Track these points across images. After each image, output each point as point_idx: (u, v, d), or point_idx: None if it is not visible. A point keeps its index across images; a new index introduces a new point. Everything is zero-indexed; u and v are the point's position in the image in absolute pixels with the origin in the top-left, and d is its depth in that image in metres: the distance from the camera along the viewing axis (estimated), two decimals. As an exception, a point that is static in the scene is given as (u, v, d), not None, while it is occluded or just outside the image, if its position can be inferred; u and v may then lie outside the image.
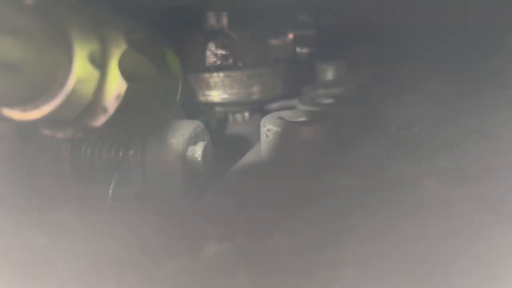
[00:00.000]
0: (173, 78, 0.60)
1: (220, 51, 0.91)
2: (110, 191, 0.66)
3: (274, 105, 0.91)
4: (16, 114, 0.49)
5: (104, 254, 0.41)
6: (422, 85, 0.84)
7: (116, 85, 0.50)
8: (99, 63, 0.48)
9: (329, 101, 0.81)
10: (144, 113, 0.58)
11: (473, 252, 0.39)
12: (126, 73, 0.50)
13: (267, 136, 0.73)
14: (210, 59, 0.91)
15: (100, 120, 0.51)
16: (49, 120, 0.49)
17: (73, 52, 0.46)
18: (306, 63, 0.94)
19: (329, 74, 0.94)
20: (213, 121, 0.88)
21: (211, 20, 0.91)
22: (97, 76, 0.49)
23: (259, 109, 0.94)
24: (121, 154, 0.69)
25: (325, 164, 0.63)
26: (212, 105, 0.91)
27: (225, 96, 0.90)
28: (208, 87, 0.89)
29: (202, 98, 0.89)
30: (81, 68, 0.46)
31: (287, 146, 0.68)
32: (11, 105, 0.49)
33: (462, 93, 0.80)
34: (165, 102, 0.61)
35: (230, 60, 0.91)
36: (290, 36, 0.94)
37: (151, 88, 0.56)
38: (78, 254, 0.41)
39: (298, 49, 0.95)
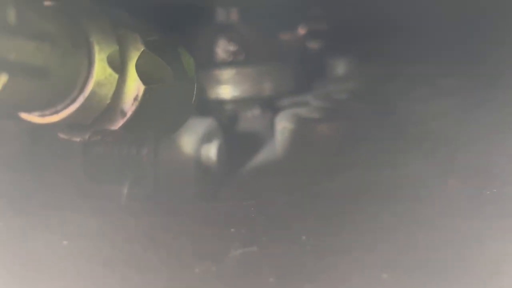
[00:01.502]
0: (188, 80, 0.60)
1: (231, 48, 0.91)
2: (124, 191, 0.66)
3: (286, 102, 0.91)
4: (34, 118, 0.49)
5: (118, 254, 0.40)
6: (437, 79, 0.83)
7: (134, 87, 0.50)
8: (118, 65, 0.48)
9: (343, 97, 0.81)
10: (161, 115, 0.57)
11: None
12: (143, 75, 0.50)
13: (283, 133, 0.73)
14: (221, 55, 0.90)
15: (118, 123, 0.51)
16: (67, 123, 0.48)
17: (93, 54, 0.46)
18: (318, 58, 0.94)
19: (341, 69, 0.93)
20: (224, 118, 0.87)
21: (221, 16, 0.91)
22: (116, 78, 0.49)
23: (270, 105, 0.93)
24: (134, 153, 0.69)
25: (341, 160, 0.63)
26: (222, 102, 0.90)
27: (236, 93, 0.89)
28: (219, 84, 0.89)
29: (212, 95, 0.89)
30: (100, 71, 0.46)
31: (303, 143, 0.67)
32: (31, 110, 0.49)
33: (478, 87, 0.80)
34: (181, 105, 0.61)
35: (241, 57, 0.90)
36: (301, 31, 0.93)
37: (167, 90, 0.56)
38: (92, 254, 0.41)
39: (309, 45, 0.94)
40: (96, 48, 0.46)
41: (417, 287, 0.35)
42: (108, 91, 0.48)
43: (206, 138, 0.71)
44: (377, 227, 0.42)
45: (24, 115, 0.49)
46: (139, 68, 0.50)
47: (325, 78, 0.92)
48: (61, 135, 0.52)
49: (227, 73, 0.88)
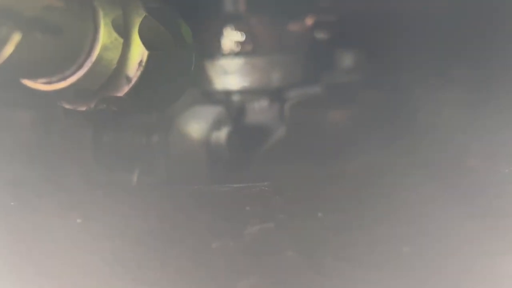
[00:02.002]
0: (187, 47, 0.61)
1: (239, 38, 0.90)
2: (135, 178, 0.66)
3: (295, 92, 0.90)
4: (40, 86, 0.48)
5: (133, 232, 0.40)
6: (448, 68, 0.83)
7: (138, 53, 0.51)
8: (122, 29, 0.48)
9: (353, 86, 0.81)
10: (164, 82, 0.58)
11: None
12: (146, 40, 0.50)
13: (294, 121, 0.73)
14: (229, 46, 0.90)
15: (124, 90, 0.50)
16: (74, 90, 0.48)
17: (98, 18, 0.46)
18: (326, 49, 0.94)
19: (350, 59, 0.93)
20: (233, 109, 0.87)
21: (229, 5, 0.91)
22: (121, 43, 0.49)
23: (279, 96, 0.93)
24: (144, 140, 0.69)
25: (353, 146, 0.62)
26: (231, 93, 0.90)
27: (244, 83, 0.89)
28: (227, 74, 0.89)
29: (220, 86, 0.89)
30: (106, 35, 0.46)
31: (314, 132, 0.67)
32: (38, 76, 0.48)
33: (489, 76, 0.79)
34: (182, 71, 0.61)
35: (249, 47, 0.90)
36: (310, 21, 0.93)
37: (169, 56, 0.56)
38: (106, 232, 0.40)
39: (318, 35, 0.94)
40: (101, 12, 0.46)
41: (438, 260, 0.35)
42: (114, 56, 0.48)
43: (216, 125, 0.71)
44: (394, 204, 0.42)
45: (29, 83, 0.48)
46: (142, 33, 0.50)
47: (334, 68, 0.92)
48: (66, 105, 0.51)
49: (235, 64, 0.88)
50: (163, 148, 0.68)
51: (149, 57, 0.50)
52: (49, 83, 0.47)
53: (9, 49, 0.38)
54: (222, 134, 0.69)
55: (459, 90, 0.79)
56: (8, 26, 0.37)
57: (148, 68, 0.50)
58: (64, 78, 0.46)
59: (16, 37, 0.38)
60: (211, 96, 0.85)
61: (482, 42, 0.84)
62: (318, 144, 0.64)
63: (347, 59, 0.93)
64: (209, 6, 0.90)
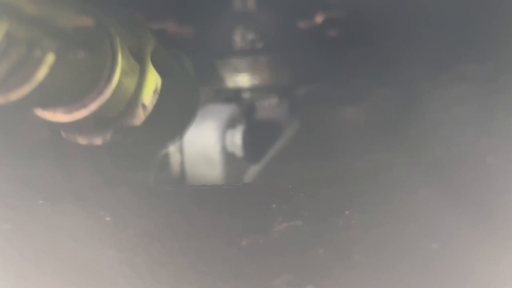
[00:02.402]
0: (191, 77, 0.62)
1: (248, 36, 0.91)
2: (152, 177, 0.66)
3: (305, 90, 0.91)
4: (60, 117, 0.48)
5: (163, 229, 0.41)
6: (459, 65, 0.83)
7: (153, 80, 0.51)
8: (138, 56, 0.48)
9: (363, 83, 0.81)
10: (176, 110, 0.59)
11: None
12: (158, 68, 0.51)
13: (305, 118, 0.73)
14: (239, 44, 0.90)
15: (140, 118, 0.51)
16: (94, 119, 0.48)
17: (116, 44, 0.46)
18: (336, 46, 0.94)
19: (360, 56, 0.93)
20: (244, 106, 0.87)
21: (239, 4, 0.91)
22: (138, 68, 0.49)
23: (288, 93, 0.93)
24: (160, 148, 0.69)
25: (367, 143, 0.63)
26: (241, 90, 0.90)
27: (254, 81, 0.89)
28: (237, 72, 0.89)
29: (230, 84, 0.89)
30: (124, 60, 0.47)
31: (328, 128, 0.68)
32: (59, 104, 0.47)
33: (501, 72, 0.80)
34: (190, 101, 0.62)
35: (259, 45, 0.90)
36: (319, 19, 0.93)
37: (178, 85, 0.57)
38: (135, 229, 0.41)
39: (327, 32, 0.94)
40: (118, 39, 0.46)
41: (469, 257, 0.35)
42: (132, 82, 0.48)
43: (231, 124, 0.71)
44: (418, 201, 0.43)
45: (49, 114, 0.48)
46: (154, 61, 0.51)
47: (344, 65, 0.92)
48: (81, 139, 0.51)
49: (244, 61, 0.88)
50: (179, 148, 0.69)
51: (162, 85, 0.50)
52: (70, 112, 0.47)
53: (43, 71, 0.38)
54: (236, 132, 0.69)
55: (468, 86, 0.80)
56: (42, 46, 0.37)
57: (162, 96, 0.51)
58: (85, 106, 0.46)
59: (50, 59, 0.38)
60: (223, 95, 0.85)
61: (491, 36, 0.85)
62: (330, 140, 0.65)
63: (356, 56, 0.94)
64: (219, 4, 0.90)
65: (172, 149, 0.69)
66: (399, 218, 0.40)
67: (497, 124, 0.71)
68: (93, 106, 0.46)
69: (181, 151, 0.68)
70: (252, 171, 0.66)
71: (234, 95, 0.89)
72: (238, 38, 0.91)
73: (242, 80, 0.89)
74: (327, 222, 0.40)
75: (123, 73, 0.47)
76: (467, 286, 0.33)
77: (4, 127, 0.64)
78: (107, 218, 0.42)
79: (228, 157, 0.68)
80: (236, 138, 0.69)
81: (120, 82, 0.47)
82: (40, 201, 0.46)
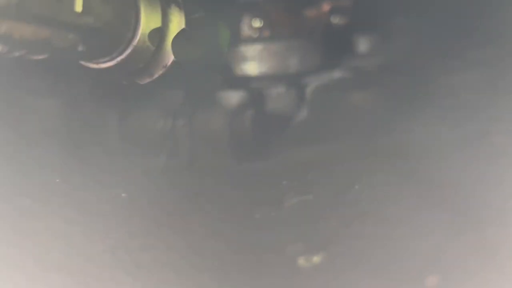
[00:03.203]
0: (220, 54, 0.67)
1: (256, 24, 0.91)
2: (162, 161, 0.67)
3: (313, 77, 0.92)
4: (91, 65, 0.55)
5: (179, 205, 0.42)
6: (467, 51, 0.84)
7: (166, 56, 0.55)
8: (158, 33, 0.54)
9: (372, 70, 0.82)
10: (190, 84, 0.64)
11: None
12: (177, 50, 0.56)
13: (314, 105, 0.74)
14: (246, 32, 0.91)
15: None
16: (119, 69, 0.54)
17: (140, 14, 0.50)
18: (344, 33, 0.94)
19: (368, 44, 0.94)
20: (253, 94, 0.88)
21: (246, -8, 0.92)
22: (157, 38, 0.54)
23: (296, 81, 0.94)
24: (170, 125, 0.70)
25: (376, 126, 0.64)
26: (249, 79, 0.91)
27: (262, 69, 0.90)
28: (245, 60, 0.90)
29: (238, 72, 0.90)
30: (145, 24, 0.52)
31: (337, 113, 0.69)
32: (90, 59, 0.54)
33: (508, 58, 0.80)
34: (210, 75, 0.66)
35: (266, 33, 0.91)
36: (327, 6, 0.94)
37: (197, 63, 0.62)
38: (150, 206, 0.42)
39: (334, 20, 0.95)
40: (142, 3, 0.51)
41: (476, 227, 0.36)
42: (151, 45, 0.54)
43: (240, 110, 0.72)
44: (425, 178, 0.44)
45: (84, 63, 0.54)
46: (175, 43, 0.55)
47: (352, 53, 0.93)
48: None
49: (252, 50, 0.89)
50: (188, 132, 0.70)
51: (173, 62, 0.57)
52: (98, 63, 0.54)
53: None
54: (244, 118, 0.70)
55: (477, 71, 0.80)
56: None
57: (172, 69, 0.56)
58: (112, 59, 0.53)
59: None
60: (231, 82, 0.86)
61: (500, 21, 0.85)
62: (339, 124, 0.66)
63: (364, 43, 0.94)
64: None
65: (181, 134, 0.70)
66: (407, 193, 0.41)
67: (506, 109, 0.71)
68: (117, 59, 0.53)
69: (190, 137, 0.69)
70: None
71: (242, 83, 0.89)
72: (246, 26, 0.92)
73: (251, 68, 0.89)
74: (338, 197, 0.41)
75: (143, 35, 0.53)
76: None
77: (21, 112, 0.65)
78: (123, 195, 0.44)
79: (237, 143, 0.69)
80: (244, 125, 0.70)
81: (140, 42, 0.52)
82: (57, 180, 0.47)
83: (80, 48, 0.46)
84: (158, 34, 0.55)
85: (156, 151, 0.68)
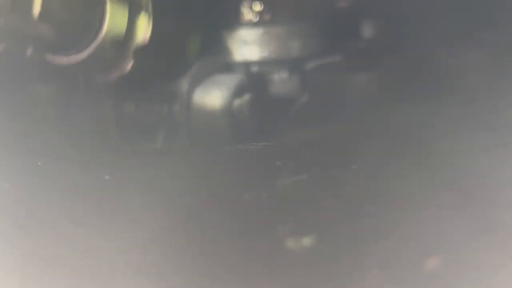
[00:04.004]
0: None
1: (256, 8, 0.89)
2: (158, 146, 0.66)
3: (315, 61, 0.89)
4: (60, 60, 0.55)
5: (163, 187, 0.40)
6: (473, 32, 0.81)
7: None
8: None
9: (375, 52, 0.80)
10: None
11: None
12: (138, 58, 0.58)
13: (315, 88, 0.72)
14: (246, 15, 0.89)
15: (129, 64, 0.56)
16: (90, 63, 0.54)
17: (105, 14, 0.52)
18: (346, 14, 0.92)
19: (372, 26, 0.91)
20: (253, 78, 0.86)
21: (246, -25, 0.90)
22: (126, 20, 0.54)
23: (299, 66, 0.92)
24: (166, 109, 0.69)
25: (378, 108, 0.62)
26: (250, 63, 0.89)
27: (263, 53, 0.88)
28: (245, 44, 0.88)
29: (239, 57, 0.88)
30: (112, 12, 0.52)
31: (337, 93, 0.67)
32: (57, 50, 0.54)
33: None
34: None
35: (267, 16, 0.89)
36: (330, -12, 0.91)
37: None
38: (134, 188, 0.41)
39: (337, 3, 0.92)
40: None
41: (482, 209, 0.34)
42: (120, 31, 0.54)
43: (239, 93, 0.70)
44: (426, 155, 0.41)
45: (51, 58, 0.55)
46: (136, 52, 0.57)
47: (355, 33, 0.90)
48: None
49: (253, 34, 0.87)
50: (185, 117, 0.68)
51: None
52: (67, 55, 0.54)
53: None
54: (244, 100, 0.69)
55: (487, 53, 0.78)
56: None
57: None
58: (80, 51, 0.53)
59: None
60: (230, 66, 0.84)
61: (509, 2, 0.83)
62: (339, 104, 0.64)
63: (368, 24, 0.92)
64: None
65: (178, 117, 0.68)
66: (407, 173, 0.39)
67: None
68: (86, 52, 0.53)
69: (187, 120, 0.68)
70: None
71: (243, 67, 0.87)
72: (246, 10, 0.90)
73: (251, 52, 0.87)
74: (334, 177, 0.39)
75: (111, 23, 0.53)
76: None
77: (13, 98, 0.64)
78: (107, 177, 0.42)
79: (235, 126, 0.67)
80: (243, 108, 0.69)
81: (108, 31, 0.53)
82: (39, 163, 0.46)
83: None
84: (123, 37, 0.55)
85: (151, 135, 0.67)
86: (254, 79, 0.83)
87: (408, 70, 0.75)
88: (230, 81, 0.72)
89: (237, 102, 0.68)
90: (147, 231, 0.36)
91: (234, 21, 0.87)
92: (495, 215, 0.34)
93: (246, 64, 0.89)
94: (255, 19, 0.88)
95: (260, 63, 0.89)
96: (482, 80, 0.73)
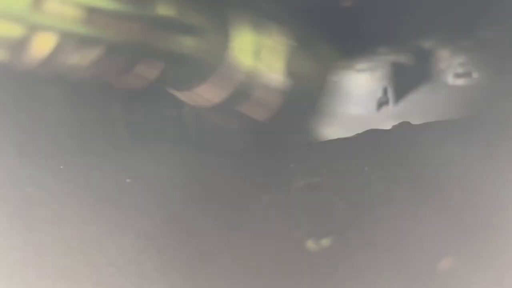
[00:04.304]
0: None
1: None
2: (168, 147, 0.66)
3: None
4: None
5: (179, 189, 0.41)
6: (476, 30, 0.82)
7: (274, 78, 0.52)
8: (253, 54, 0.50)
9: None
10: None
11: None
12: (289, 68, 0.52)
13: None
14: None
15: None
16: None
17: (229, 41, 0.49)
18: (351, 15, 0.92)
19: (374, 25, 0.92)
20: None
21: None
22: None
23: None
24: (175, 112, 0.70)
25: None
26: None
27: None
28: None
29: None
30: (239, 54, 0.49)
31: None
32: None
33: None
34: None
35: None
36: (334, -12, 0.92)
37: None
38: (154, 190, 0.42)
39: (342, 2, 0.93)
40: (234, 34, 0.49)
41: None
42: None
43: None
44: (437, 156, 0.42)
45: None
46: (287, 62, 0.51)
47: (358, 31, 0.91)
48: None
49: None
50: (193, 119, 0.69)
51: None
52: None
53: None
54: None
55: (489, 51, 0.78)
56: None
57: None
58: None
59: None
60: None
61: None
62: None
63: (372, 24, 0.92)
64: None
65: (187, 119, 0.69)
66: (418, 174, 0.40)
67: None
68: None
69: (196, 122, 0.69)
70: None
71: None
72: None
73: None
74: (347, 179, 0.40)
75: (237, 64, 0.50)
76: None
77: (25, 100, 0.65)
78: (128, 180, 0.43)
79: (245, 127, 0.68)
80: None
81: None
82: (61, 166, 0.47)
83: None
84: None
85: (162, 137, 0.67)
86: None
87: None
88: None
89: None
90: (158, 231, 0.36)
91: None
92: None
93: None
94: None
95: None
96: (483, 78, 0.74)
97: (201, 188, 0.42)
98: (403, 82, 0.73)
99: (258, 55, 0.50)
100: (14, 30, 0.38)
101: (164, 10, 0.44)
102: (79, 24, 0.40)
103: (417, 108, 0.66)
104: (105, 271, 0.35)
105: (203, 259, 0.34)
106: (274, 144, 0.49)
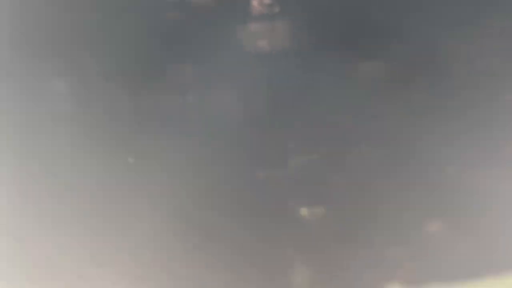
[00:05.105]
0: None
1: (266, 0, 0.91)
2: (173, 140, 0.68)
3: (322, 51, 0.91)
4: None
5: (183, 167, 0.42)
6: (481, 20, 0.82)
7: None
8: None
9: (385, 48, 0.81)
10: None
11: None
12: None
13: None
14: (257, 8, 0.91)
15: None
16: None
17: None
18: (355, 10, 0.93)
19: (383, 20, 0.92)
20: (263, 70, 0.88)
21: (255, -31, 0.91)
22: None
23: (305, 56, 0.93)
24: (180, 101, 0.71)
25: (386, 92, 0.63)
26: (260, 55, 0.91)
27: (272, 45, 0.90)
28: (254, 37, 0.90)
29: (247, 49, 0.90)
30: None
31: (346, 81, 0.68)
32: None
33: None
34: None
35: (276, 9, 0.91)
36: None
37: None
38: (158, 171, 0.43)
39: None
40: None
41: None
42: None
43: (250, 83, 0.72)
44: (432, 134, 0.43)
45: None
46: None
47: (365, 23, 0.92)
48: None
49: (262, 26, 0.88)
50: (198, 108, 0.70)
51: None
52: None
53: None
54: (254, 91, 0.70)
55: (496, 41, 0.79)
56: None
57: None
58: None
59: None
60: (241, 58, 0.86)
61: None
62: (347, 90, 0.65)
63: (377, 15, 0.93)
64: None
65: (192, 109, 0.70)
66: (413, 151, 0.41)
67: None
68: None
69: (199, 112, 0.70)
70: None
71: (253, 60, 0.89)
72: (256, 2, 0.92)
73: (260, 44, 0.89)
74: (345, 157, 0.41)
75: None
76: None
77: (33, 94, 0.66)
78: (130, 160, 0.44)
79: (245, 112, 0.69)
80: (254, 96, 0.70)
81: None
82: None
83: None
84: None
85: (168, 125, 0.69)
86: (263, 70, 0.84)
87: (417, 56, 0.76)
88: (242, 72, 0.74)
89: (249, 92, 0.70)
90: (164, 208, 0.38)
91: (243, 14, 0.89)
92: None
93: (257, 57, 0.91)
94: (265, 11, 0.90)
95: (269, 55, 0.91)
96: (489, 67, 0.74)
97: (199, 167, 0.43)
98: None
99: None
100: None
101: None
102: None
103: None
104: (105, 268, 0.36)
105: (199, 232, 0.36)
106: (272, 127, 0.50)
